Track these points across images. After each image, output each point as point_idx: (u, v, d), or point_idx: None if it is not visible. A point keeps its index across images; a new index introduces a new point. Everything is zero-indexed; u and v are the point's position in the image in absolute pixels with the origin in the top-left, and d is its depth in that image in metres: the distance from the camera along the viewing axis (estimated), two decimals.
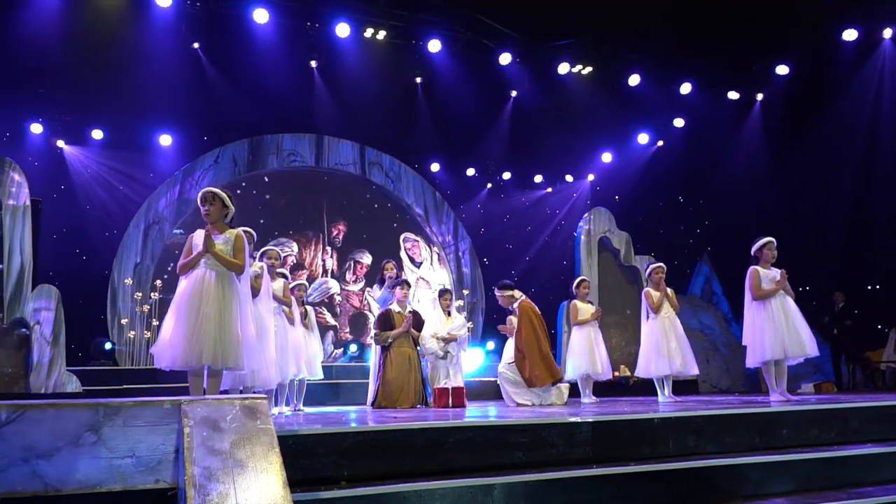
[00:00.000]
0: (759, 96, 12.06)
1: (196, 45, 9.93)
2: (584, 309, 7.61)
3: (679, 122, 12.68)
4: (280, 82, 10.68)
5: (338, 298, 12.16)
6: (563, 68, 11.02)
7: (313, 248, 12.19)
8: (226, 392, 5.17)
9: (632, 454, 3.79)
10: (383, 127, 12.04)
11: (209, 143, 11.33)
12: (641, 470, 3.54)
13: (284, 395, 6.41)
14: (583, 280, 7.81)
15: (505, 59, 10.69)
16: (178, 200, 11.19)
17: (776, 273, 6.30)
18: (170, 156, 11.13)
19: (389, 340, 7.24)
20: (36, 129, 10.31)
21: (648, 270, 7.46)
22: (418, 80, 11.12)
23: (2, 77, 9.61)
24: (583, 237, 12.48)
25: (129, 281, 10.55)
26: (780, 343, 6.04)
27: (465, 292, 12.71)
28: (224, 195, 4.65)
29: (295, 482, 3.08)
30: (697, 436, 4.00)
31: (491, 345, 11.35)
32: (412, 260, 12.93)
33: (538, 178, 13.54)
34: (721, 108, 12.16)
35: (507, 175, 13.25)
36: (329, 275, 12.18)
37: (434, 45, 10.32)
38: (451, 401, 6.69)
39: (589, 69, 11.24)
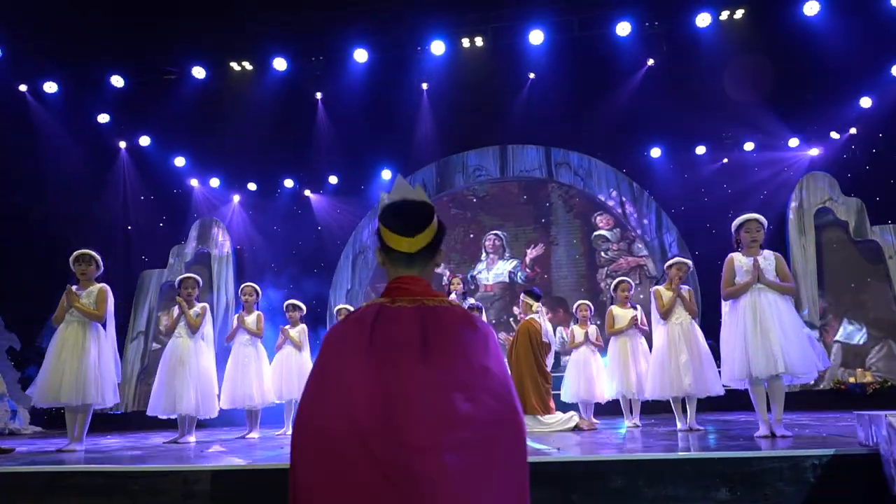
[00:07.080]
0: None
1: (319, 96, 10.97)
2: (622, 315, 6.39)
3: None
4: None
5: None
6: (703, 20, 9.05)
7: (503, 257, 12.25)
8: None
9: None
10: (566, 126, 11.54)
11: (402, 171, 12.31)
12: None
13: (290, 416, 6.84)
14: (622, 281, 6.55)
15: (623, 29, 9.30)
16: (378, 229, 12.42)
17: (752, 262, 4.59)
18: (377, 189, 12.43)
19: None
20: (288, 183, 12.42)
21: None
22: (531, 75, 10.39)
23: (259, 147, 11.83)
24: (792, 213, 10.21)
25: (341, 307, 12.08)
26: (743, 358, 4.38)
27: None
28: (97, 257, 5.40)
29: None
30: None
31: None
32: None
33: (794, 142, 11.08)
34: None
35: (749, 146, 11.24)
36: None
37: (536, 37, 9.56)
38: None
39: (741, 12, 9.04)
